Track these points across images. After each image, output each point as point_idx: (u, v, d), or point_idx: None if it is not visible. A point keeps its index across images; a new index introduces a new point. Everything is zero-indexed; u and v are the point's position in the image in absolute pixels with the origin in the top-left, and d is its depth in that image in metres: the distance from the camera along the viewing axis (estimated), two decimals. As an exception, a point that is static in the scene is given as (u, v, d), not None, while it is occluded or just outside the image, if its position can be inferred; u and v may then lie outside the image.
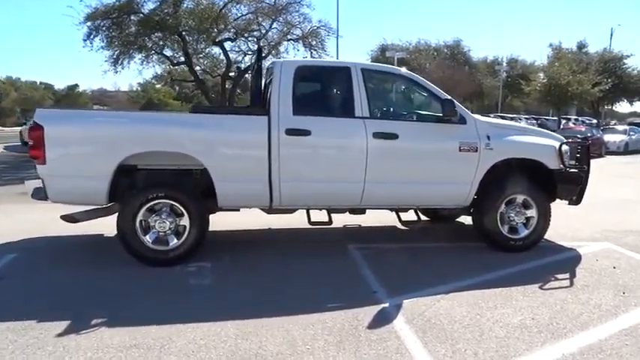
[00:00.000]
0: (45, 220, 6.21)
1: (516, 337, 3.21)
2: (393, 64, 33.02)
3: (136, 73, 41.03)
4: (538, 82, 29.73)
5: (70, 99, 52.70)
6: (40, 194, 4.36)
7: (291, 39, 21.17)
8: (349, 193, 4.78)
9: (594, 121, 32.49)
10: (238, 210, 5.09)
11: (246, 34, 19.39)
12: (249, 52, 22.24)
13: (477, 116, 5.19)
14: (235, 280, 4.24)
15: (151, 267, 4.43)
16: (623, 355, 2.98)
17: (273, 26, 20.08)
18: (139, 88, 54.88)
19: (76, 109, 6.60)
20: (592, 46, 33.68)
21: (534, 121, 28.59)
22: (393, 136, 4.71)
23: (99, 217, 4.77)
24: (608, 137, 21.11)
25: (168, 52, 21.10)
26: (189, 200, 4.46)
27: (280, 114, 4.56)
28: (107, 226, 5.38)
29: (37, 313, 3.44)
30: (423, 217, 6.45)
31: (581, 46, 32.67)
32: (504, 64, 43.10)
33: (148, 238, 4.43)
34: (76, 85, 56.65)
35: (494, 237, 5.07)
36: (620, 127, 26.24)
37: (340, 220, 5.56)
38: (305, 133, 4.56)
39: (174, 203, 4.44)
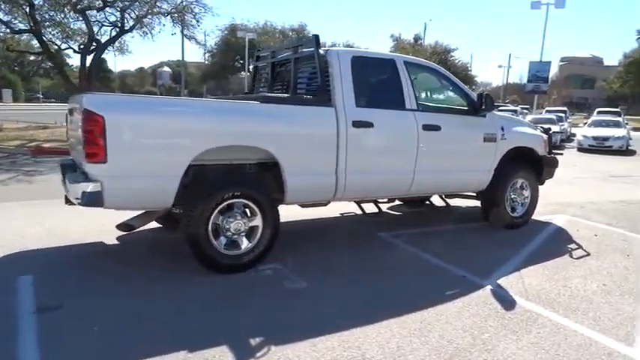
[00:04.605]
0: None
1: (614, 301, 3.82)
2: (245, 45, 32.85)
3: None
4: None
5: None
6: (91, 200, 3.52)
7: (160, 12, 19.46)
8: (402, 182, 4.93)
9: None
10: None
11: (120, 4, 17.19)
12: (107, 24, 19.91)
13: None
14: (326, 280, 4.07)
15: (219, 274, 3.98)
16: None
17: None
18: None
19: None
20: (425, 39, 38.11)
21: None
22: (437, 128, 4.97)
23: (149, 222, 4.08)
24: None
25: (3, 17, 17.54)
26: (263, 198, 4.11)
27: (345, 106, 4.45)
28: (98, 232, 4.86)
29: (174, 341, 2.91)
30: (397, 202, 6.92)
31: (417, 38, 36.80)
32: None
33: (220, 243, 3.97)
34: None
35: (502, 217, 5.74)
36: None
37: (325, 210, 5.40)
38: (369, 125, 4.54)
39: (247, 202, 4.04)
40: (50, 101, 59.72)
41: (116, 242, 4.85)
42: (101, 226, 5.15)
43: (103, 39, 19.87)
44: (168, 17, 20.00)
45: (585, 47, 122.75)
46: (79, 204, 3.56)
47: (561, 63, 66.13)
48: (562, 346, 3.06)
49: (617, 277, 4.34)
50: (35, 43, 20.33)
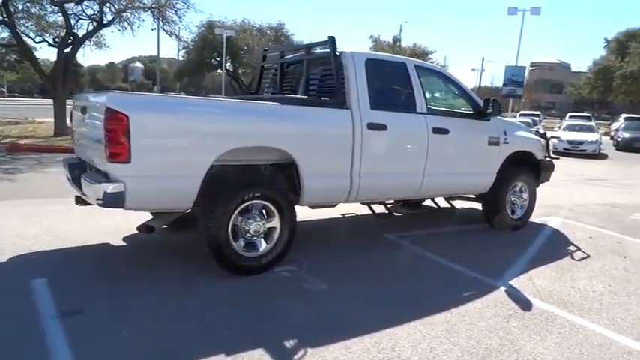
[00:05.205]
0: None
1: (622, 301, 3.96)
2: (222, 42, 32.54)
3: None
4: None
5: None
6: (113, 200, 3.43)
7: (141, 7, 19.07)
8: (412, 185, 4.99)
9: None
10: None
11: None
12: (84, 17, 19.39)
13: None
14: (343, 281, 4.09)
15: (238, 276, 3.96)
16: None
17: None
18: None
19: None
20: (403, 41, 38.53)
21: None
22: (445, 131, 5.05)
23: (167, 223, 4.01)
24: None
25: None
26: (282, 199, 4.10)
27: (361, 108, 4.48)
28: (99, 232, 4.86)
29: (212, 344, 2.88)
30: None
31: (396, 39, 37.18)
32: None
33: (239, 245, 3.94)
34: None
35: (502, 219, 5.87)
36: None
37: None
38: (382, 127, 4.58)
39: (266, 203, 4.02)
40: (14, 95, 57.79)
41: (123, 243, 4.75)
42: (103, 227, 5.06)
43: (80, 33, 19.39)
44: (149, 12, 19.70)
45: (552, 52, 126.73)
46: (100, 205, 3.47)
47: (531, 68, 67.95)
48: (585, 345, 3.17)
49: (619, 279, 4.51)
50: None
